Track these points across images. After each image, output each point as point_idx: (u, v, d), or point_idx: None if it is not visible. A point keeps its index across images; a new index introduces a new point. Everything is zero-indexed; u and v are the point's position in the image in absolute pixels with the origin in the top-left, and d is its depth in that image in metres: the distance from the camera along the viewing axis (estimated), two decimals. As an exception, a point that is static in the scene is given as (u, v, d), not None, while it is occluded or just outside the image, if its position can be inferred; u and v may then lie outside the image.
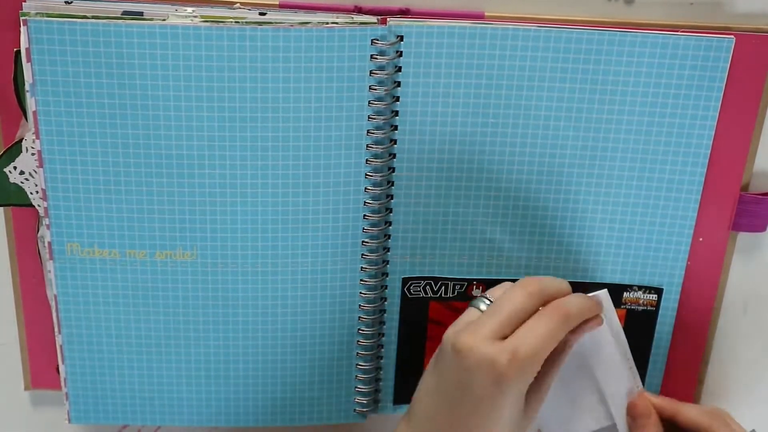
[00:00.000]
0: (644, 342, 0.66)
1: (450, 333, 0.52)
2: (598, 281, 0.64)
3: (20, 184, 0.61)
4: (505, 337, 0.50)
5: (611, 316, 0.56)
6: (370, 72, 0.58)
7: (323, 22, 0.56)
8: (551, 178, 0.61)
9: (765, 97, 0.60)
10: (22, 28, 0.55)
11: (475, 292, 0.64)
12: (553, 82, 0.59)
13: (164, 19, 0.56)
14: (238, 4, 0.58)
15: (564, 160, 0.61)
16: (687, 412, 0.57)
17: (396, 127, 0.60)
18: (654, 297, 0.64)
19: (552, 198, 0.62)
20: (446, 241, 0.63)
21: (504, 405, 0.50)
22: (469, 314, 0.53)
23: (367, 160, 0.60)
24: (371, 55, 0.57)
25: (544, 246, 0.63)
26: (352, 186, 0.61)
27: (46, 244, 0.61)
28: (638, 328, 0.65)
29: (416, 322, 0.65)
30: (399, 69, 0.58)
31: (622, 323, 0.57)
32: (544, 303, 0.52)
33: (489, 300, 0.53)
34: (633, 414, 0.58)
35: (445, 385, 0.51)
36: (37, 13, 0.55)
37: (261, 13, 0.57)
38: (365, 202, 0.61)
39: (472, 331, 0.50)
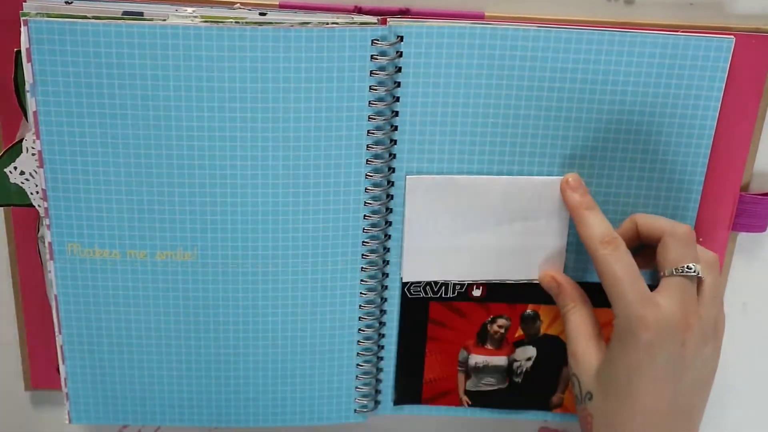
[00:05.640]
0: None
1: None
2: (597, 281, 0.64)
3: (20, 185, 0.61)
4: None
5: None
6: (371, 72, 0.58)
7: (323, 23, 0.56)
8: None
9: (765, 98, 0.60)
10: (23, 28, 0.55)
11: (475, 292, 0.64)
12: (552, 82, 0.59)
13: (164, 20, 0.56)
14: (238, 5, 0.58)
15: (564, 161, 0.61)
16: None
17: (396, 128, 0.60)
18: (654, 297, 0.64)
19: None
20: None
21: None
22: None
23: (367, 160, 0.60)
24: (371, 56, 0.57)
25: (544, 246, 0.63)
26: (353, 186, 0.61)
27: (47, 245, 0.61)
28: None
29: (416, 323, 0.65)
30: (399, 69, 0.58)
31: None
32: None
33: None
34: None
35: None
36: (37, 13, 0.55)
37: (261, 14, 0.57)
38: (365, 202, 0.61)
39: None
